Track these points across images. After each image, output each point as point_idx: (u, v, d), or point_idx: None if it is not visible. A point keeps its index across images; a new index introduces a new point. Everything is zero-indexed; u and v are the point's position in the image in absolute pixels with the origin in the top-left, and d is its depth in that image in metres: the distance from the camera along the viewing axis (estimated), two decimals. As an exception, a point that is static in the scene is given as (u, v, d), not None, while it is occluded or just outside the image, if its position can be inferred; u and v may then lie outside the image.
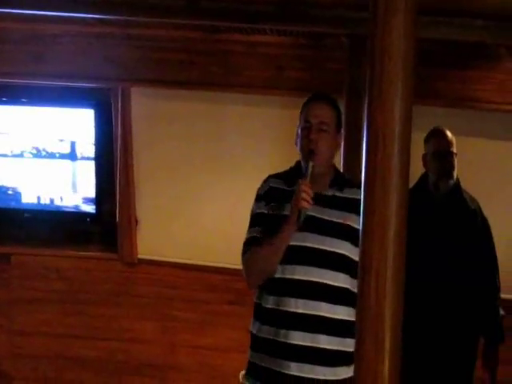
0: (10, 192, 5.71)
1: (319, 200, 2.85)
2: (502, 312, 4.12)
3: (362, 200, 1.94)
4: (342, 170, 3.68)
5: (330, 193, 2.89)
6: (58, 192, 5.69)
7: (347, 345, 2.81)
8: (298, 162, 2.93)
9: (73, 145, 5.50)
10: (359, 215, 2.23)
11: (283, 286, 2.84)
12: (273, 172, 3.07)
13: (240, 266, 3.46)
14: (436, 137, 4.10)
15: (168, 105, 5.40)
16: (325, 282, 2.84)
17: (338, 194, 2.89)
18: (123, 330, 5.63)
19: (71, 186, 5.61)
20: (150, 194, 5.60)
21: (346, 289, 2.87)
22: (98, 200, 5.55)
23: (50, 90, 5.54)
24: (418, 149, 3.69)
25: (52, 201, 5.68)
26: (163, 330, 5.60)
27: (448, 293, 4.01)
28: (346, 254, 2.86)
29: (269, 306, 2.85)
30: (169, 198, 5.58)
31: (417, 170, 3.93)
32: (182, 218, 5.56)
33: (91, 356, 5.72)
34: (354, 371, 1.99)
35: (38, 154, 5.64)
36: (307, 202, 2.68)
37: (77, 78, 5.25)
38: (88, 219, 5.59)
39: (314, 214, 2.82)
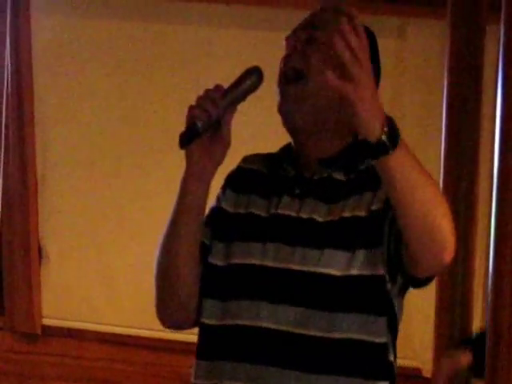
0: None
1: (304, 188, 1.98)
2: None
3: (493, 207, 1.93)
4: (442, 173, 3.01)
5: (320, 174, 1.98)
6: None
7: None
8: (289, 145, 2.10)
9: None
10: (378, 187, 1.81)
11: (241, 340, 1.91)
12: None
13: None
14: None
15: (89, 26, 3.99)
16: (320, 334, 1.88)
17: (337, 175, 1.98)
18: None
19: None
20: (66, 202, 4.12)
21: (355, 341, 1.90)
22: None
23: None
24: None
25: None
26: None
27: None
28: (356, 273, 1.92)
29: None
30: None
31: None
32: (108, 249, 4.11)
33: None
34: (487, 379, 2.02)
35: None
36: (203, 111, 1.86)
37: None
38: None
39: (290, 212, 1.97)
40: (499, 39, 2.36)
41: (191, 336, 3.83)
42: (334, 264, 1.87)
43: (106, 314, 4.03)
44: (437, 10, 3.29)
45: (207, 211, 2.03)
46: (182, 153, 2.33)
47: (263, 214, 1.96)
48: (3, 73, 3.97)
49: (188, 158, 1.91)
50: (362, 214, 1.91)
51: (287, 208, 1.95)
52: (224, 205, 2.03)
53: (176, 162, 3.82)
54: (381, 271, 1.86)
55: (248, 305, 1.90)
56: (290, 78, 1.93)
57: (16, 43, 3.88)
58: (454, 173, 3.15)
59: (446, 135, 3.17)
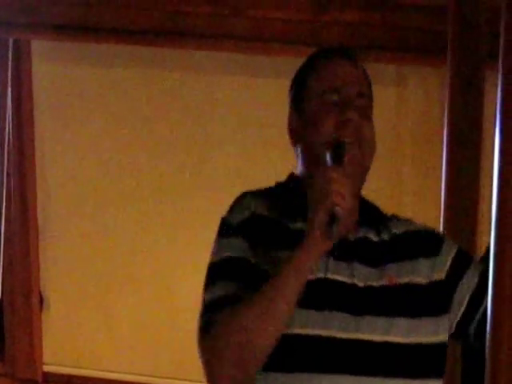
0: None
1: (342, 249, 1.88)
2: None
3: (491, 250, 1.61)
4: (442, 220, 2.98)
5: (355, 234, 1.94)
6: None
7: None
8: (292, 177, 2.04)
9: None
10: (432, 255, 1.89)
11: None
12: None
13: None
14: None
15: (91, 74, 3.95)
16: None
17: (372, 236, 1.93)
18: None
19: None
20: (67, 250, 4.04)
21: None
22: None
23: None
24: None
25: None
26: None
27: None
28: (424, 341, 1.87)
29: None
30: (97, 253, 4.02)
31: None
32: (109, 296, 4.04)
33: None
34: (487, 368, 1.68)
35: None
36: (343, 198, 1.75)
37: None
38: None
39: (342, 278, 1.87)
40: (497, 87, 2.29)
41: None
42: (403, 332, 1.84)
43: (107, 361, 3.97)
44: (436, 57, 3.24)
45: (237, 264, 1.91)
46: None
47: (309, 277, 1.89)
48: (5, 121, 3.91)
49: (313, 241, 1.80)
50: (422, 281, 1.89)
51: (336, 273, 1.88)
52: (258, 263, 1.91)
53: (176, 215, 3.71)
54: (445, 338, 1.85)
55: (321, 378, 1.82)
56: (342, 153, 1.84)
57: (18, 91, 3.85)
58: (454, 220, 3.07)
59: (446, 183, 3.08)
